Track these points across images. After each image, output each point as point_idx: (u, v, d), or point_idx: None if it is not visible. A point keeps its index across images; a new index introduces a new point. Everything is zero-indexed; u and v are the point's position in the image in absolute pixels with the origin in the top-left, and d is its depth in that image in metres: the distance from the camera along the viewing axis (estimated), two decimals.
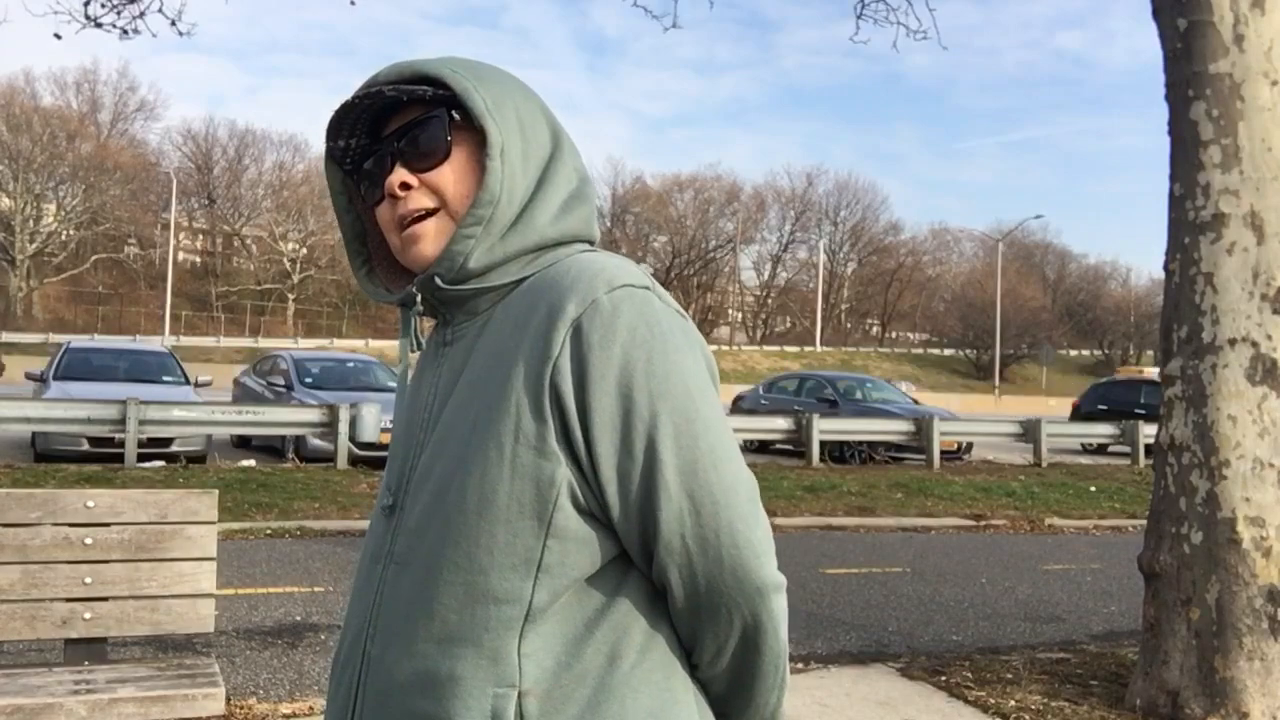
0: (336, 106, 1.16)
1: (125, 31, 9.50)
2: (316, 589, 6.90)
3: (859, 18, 9.45)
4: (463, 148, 1.14)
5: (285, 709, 4.46)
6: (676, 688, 1.09)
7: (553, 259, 1.13)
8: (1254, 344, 4.45)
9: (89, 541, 3.47)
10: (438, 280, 1.13)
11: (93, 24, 9.36)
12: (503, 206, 1.12)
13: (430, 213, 1.14)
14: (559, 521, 1.03)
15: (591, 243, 1.20)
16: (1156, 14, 4.86)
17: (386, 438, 14.19)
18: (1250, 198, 4.51)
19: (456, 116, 1.14)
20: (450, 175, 1.14)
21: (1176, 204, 4.73)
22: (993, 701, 4.85)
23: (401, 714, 1.07)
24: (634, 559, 1.07)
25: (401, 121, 1.16)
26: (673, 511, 1.03)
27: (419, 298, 1.16)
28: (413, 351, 1.23)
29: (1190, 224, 4.63)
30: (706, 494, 1.04)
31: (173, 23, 9.52)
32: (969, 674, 5.30)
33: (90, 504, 3.49)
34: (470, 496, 1.05)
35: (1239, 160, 4.53)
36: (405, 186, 1.14)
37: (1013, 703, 4.82)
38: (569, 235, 1.17)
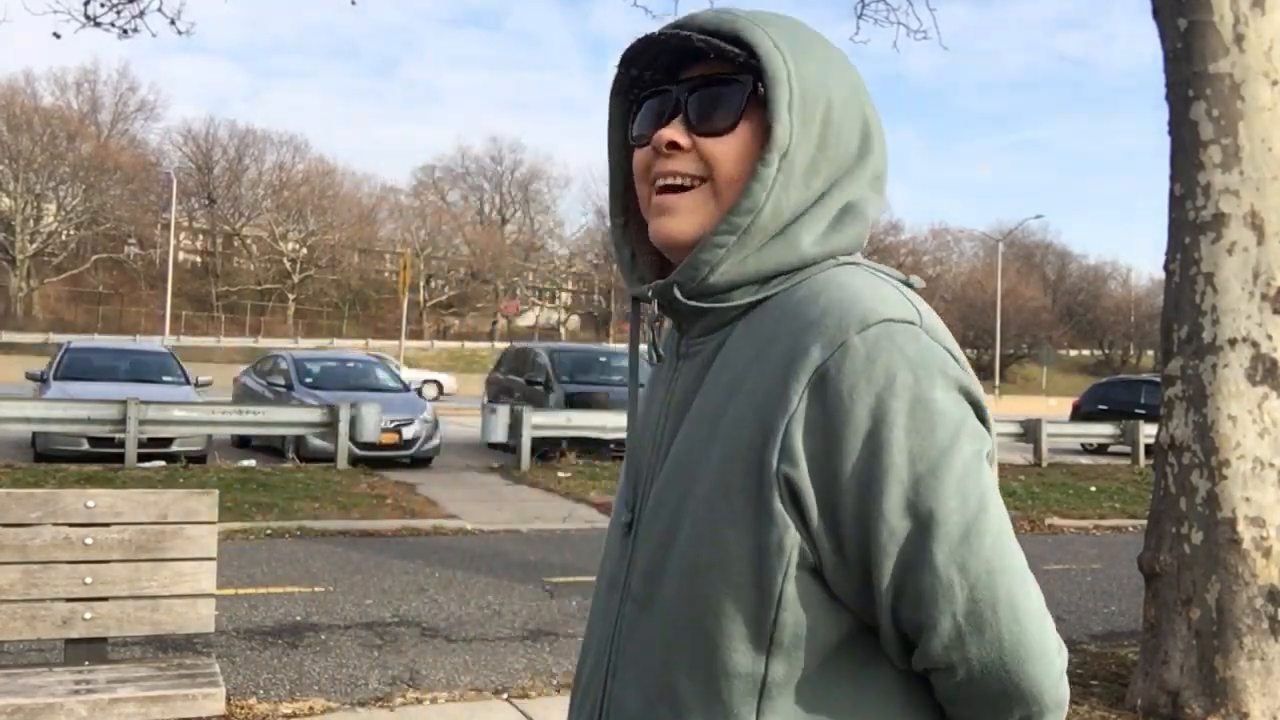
0: (641, 35, 1.04)
1: (125, 31, 9.51)
2: (317, 589, 6.90)
3: (859, 17, 9.46)
4: (753, 125, 1.01)
5: (285, 709, 4.47)
6: None
7: (804, 275, 1.00)
8: (1254, 344, 4.45)
9: (89, 541, 3.47)
10: (676, 292, 1.01)
11: (92, 23, 9.36)
12: (765, 218, 0.98)
13: (690, 185, 1.01)
14: (790, 591, 0.91)
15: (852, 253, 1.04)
16: (1156, 14, 4.85)
17: (386, 438, 14.25)
18: (1250, 198, 4.51)
19: (761, 91, 1.00)
20: (730, 150, 1.00)
21: (1177, 204, 4.73)
22: None
23: None
24: (883, 637, 0.94)
25: (701, 72, 1.03)
26: (940, 588, 0.89)
27: (653, 296, 1.05)
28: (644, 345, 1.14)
29: (1190, 224, 4.63)
30: (979, 565, 0.89)
31: (172, 22, 9.52)
32: None
33: (90, 504, 3.49)
34: (699, 555, 0.95)
35: (1239, 160, 4.53)
36: (674, 146, 1.01)
37: None
38: (831, 254, 1.01)
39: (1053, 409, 39.98)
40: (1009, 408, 49.44)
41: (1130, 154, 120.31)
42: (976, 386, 0.96)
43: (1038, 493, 13.79)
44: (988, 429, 0.96)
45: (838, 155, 1.02)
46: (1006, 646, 0.90)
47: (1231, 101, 4.55)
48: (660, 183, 1.02)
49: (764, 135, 0.99)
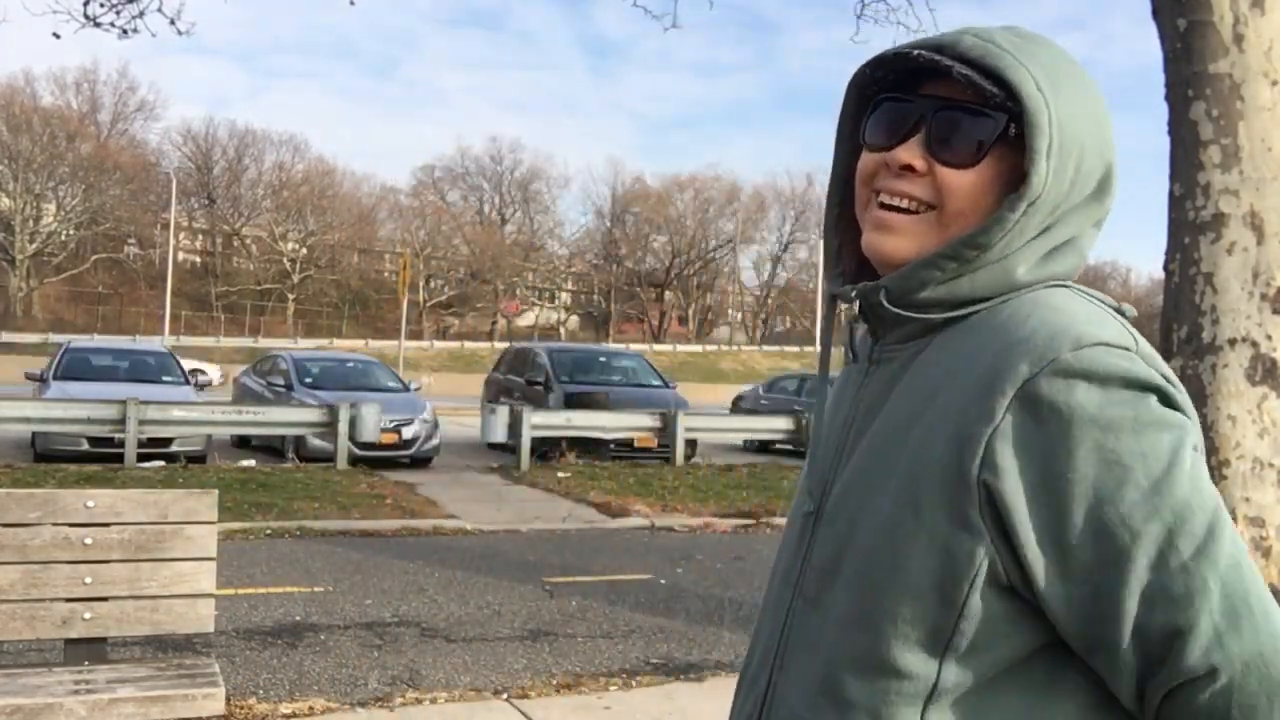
0: (897, 47, 1.02)
1: (124, 31, 9.51)
2: (316, 589, 6.90)
3: (859, 17, 9.47)
4: (997, 165, 0.99)
5: (285, 709, 4.47)
6: None
7: (1010, 296, 0.99)
8: (1254, 344, 4.45)
9: (89, 541, 3.47)
10: (882, 297, 1.01)
11: (92, 23, 9.36)
12: (993, 253, 0.98)
13: (917, 210, 1.00)
14: (974, 601, 0.91)
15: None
16: (1156, 14, 4.86)
17: (386, 438, 14.26)
18: (1250, 198, 4.51)
19: (1013, 133, 0.97)
20: (967, 184, 0.98)
21: (1176, 204, 4.73)
22: None
23: None
24: (1116, 659, 0.89)
25: (950, 93, 0.99)
26: (1195, 587, 0.86)
27: (855, 298, 1.04)
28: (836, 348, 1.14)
29: (1190, 224, 4.63)
30: (1226, 560, 0.87)
31: (171, 22, 9.53)
32: None
33: (90, 504, 3.49)
34: (878, 558, 0.95)
35: (1239, 160, 4.53)
36: (909, 169, 0.99)
37: None
38: (1042, 280, 1.00)
39: None
40: None
41: (1130, 154, 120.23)
42: (1192, 412, 0.95)
43: None
44: (1200, 461, 0.95)
45: (1073, 197, 1.00)
46: (1264, 638, 0.87)
47: (1231, 101, 4.55)
48: (885, 200, 1.01)
49: (1008, 174, 0.98)
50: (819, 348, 1.13)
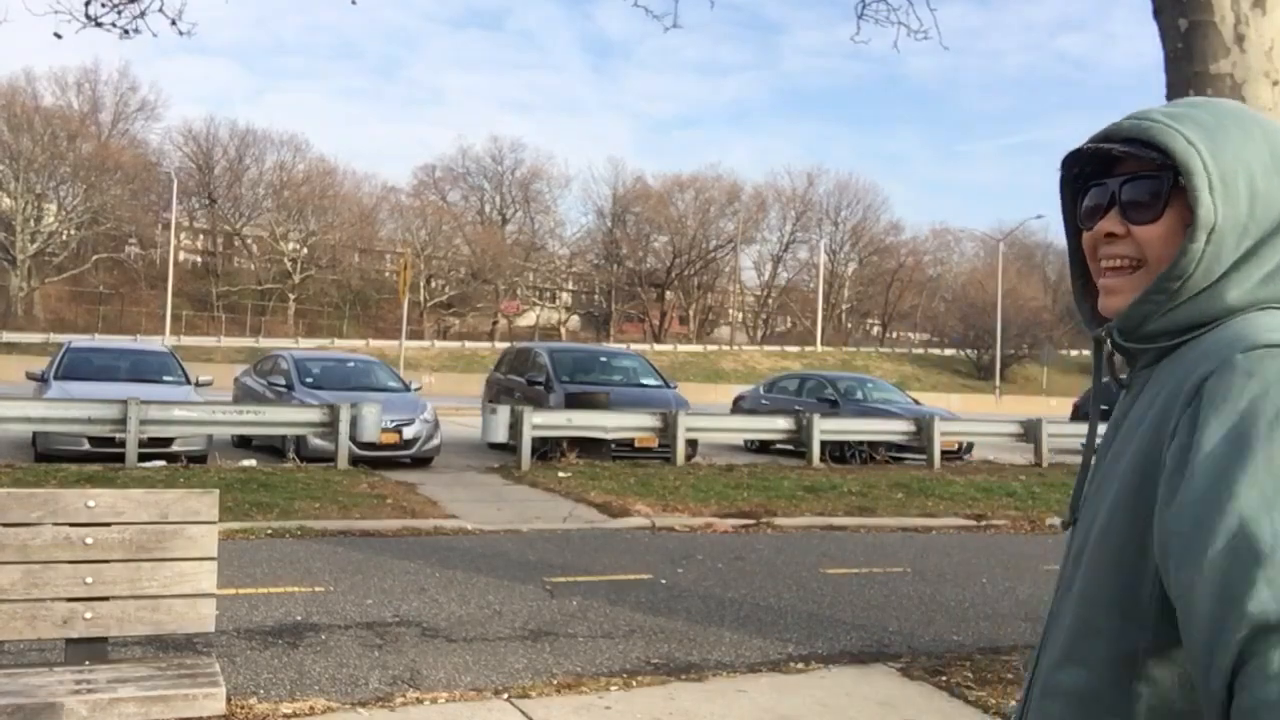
0: (1074, 148, 1.27)
1: (126, 31, 9.50)
2: (317, 589, 6.90)
3: (860, 17, 9.45)
4: (1180, 213, 1.17)
5: (286, 709, 4.47)
6: None
7: (1228, 320, 1.13)
8: None
9: (90, 541, 3.47)
10: (1115, 335, 1.22)
11: (93, 23, 9.36)
12: (1195, 281, 1.13)
13: (1129, 267, 1.21)
14: (1156, 581, 1.05)
15: None
16: (1157, 14, 4.86)
17: (387, 438, 14.26)
18: None
19: (1181, 184, 1.15)
20: (1158, 235, 1.18)
21: None
22: (993, 702, 4.85)
23: (1039, 717, 1.21)
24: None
25: (1129, 170, 1.21)
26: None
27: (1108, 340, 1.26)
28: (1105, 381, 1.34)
29: None
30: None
31: (173, 22, 9.52)
32: (970, 674, 5.30)
33: (91, 504, 3.49)
34: (1101, 542, 1.13)
35: None
36: (1112, 236, 1.21)
37: (1014, 703, 4.82)
38: (1257, 303, 1.13)
39: (1053, 409, 39.97)
40: (1009, 408, 49.42)
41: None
42: None
43: (1038, 493, 13.80)
44: None
45: (1267, 216, 1.14)
46: None
47: None
48: (1104, 264, 1.23)
49: (1190, 218, 1.14)
50: (1093, 383, 1.32)
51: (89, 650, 3.47)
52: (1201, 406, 1.02)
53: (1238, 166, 1.14)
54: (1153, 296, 1.16)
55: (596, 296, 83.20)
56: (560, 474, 13.61)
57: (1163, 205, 1.17)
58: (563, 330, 77.22)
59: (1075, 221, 1.31)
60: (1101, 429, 1.28)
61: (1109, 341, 1.24)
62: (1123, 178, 1.21)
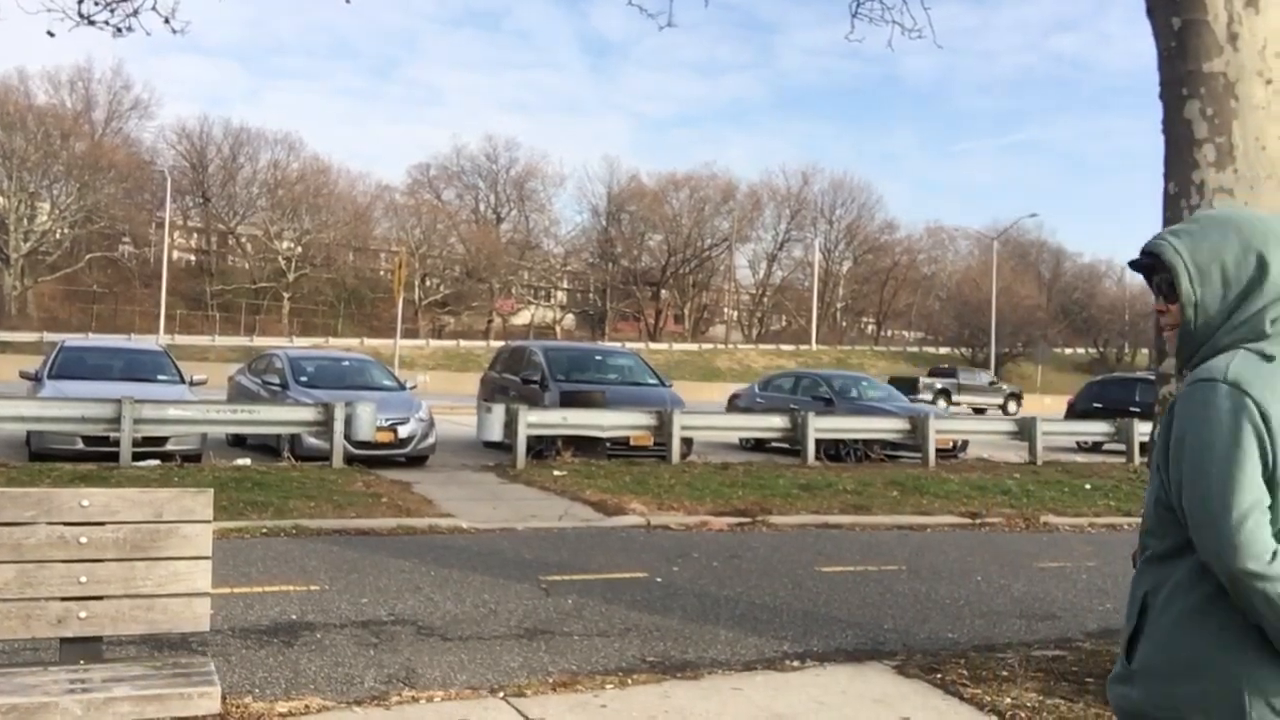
0: (1132, 260, 2.05)
1: (119, 29, 9.47)
2: (312, 588, 6.90)
3: (854, 16, 9.44)
4: None
5: (281, 707, 4.46)
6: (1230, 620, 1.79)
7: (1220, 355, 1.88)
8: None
9: (84, 540, 3.46)
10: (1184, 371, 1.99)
11: (86, 22, 9.33)
12: (1198, 333, 1.92)
13: (1170, 327, 1.98)
14: (1162, 514, 1.92)
15: (1257, 340, 1.87)
16: (1151, 13, 4.86)
17: (382, 436, 14.24)
18: (1244, 196, 4.52)
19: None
20: (1177, 309, 1.93)
21: (1171, 203, 4.74)
22: (988, 699, 4.86)
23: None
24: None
25: (1161, 269, 1.96)
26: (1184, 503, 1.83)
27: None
28: None
29: None
30: (1196, 498, 1.79)
31: (166, 20, 9.49)
32: (965, 671, 5.31)
33: (85, 503, 3.49)
34: (1150, 497, 1.98)
35: (1233, 159, 4.54)
36: (1159, 312, 2.01)
37: (1008, 700, 4.83)
38: (1237, 344, 1.87)
39: (1048, 407, 40.01)
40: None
41: (1125, 153, 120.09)
42: (1232, 413, 1.78)
43: (1033, 490, 13.81)
44: (1265, 424, 1.77)
45: (1239, 285, 1.88)
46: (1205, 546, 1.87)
47: (1225, 100, 4.56)
48: (1163, 328, 2.04)
49: None
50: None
51: (83, 649, 3.47)
52: (1175, 412, 1.87)
53: (1212, 259, 1.88)
54: (1180, 347, 1.95)
55: (591, 295, 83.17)
56: (555, 472, 13.60)
57: (1170, 292, 1.93)
58: (558, 329, 77.18)
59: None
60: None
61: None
62: (1158, 276, 1.96)
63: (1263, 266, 1.84)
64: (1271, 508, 1.75)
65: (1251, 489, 1.72)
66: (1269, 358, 1.79)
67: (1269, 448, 1.75)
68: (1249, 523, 1.71)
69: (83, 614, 3.44)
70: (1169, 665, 1.83)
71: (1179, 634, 1.82)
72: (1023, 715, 4.62)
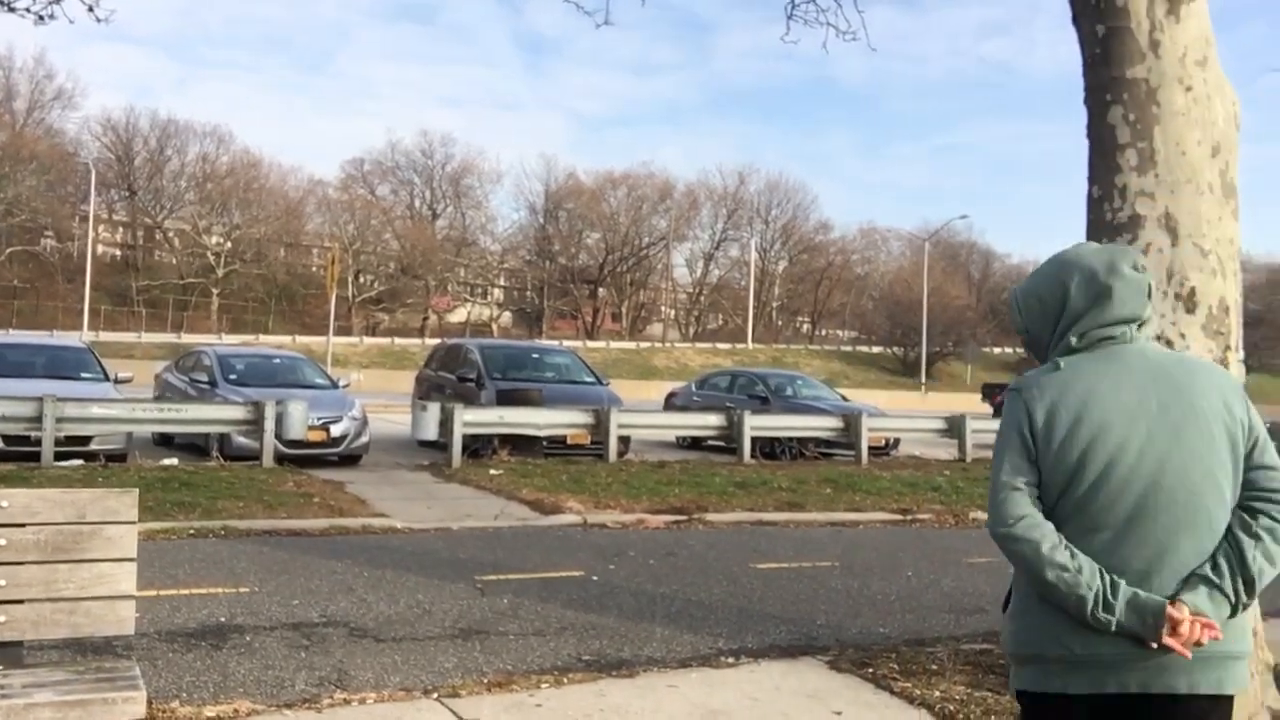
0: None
1: (40, 17, 9.23)
2: (241, 590, 6.78)
3: (790, 17, 9.53)
4: None
5: (209, 711, 4.38)
6: None
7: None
8: (1169, 342, 4.59)
9: (3, 542, 3.37)
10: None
11: (6, 8, 9.07)
12: (1036, 350, 2.45)
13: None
14: None
15: (1073, 343, 2.35)
16: (1076, 20, 4.98)
17: (313, 435, 14.05)
18: (1165, 200, 4.65)
19: None
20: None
21: (1095, 206, 4.86)
22: (918, 692, 4.94)
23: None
24: None
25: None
26: None
27: None
28: None
29: (1108, 225, 4.76)
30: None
31: (90, 9, 9.27)
32: (895, 665, 5.39)
33: (4, 504, 3.39)
34: None
35: (1154, 163, 4.67)
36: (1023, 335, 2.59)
37: (937, 693, 4.91)
38: (1062, 351, 2.35)
39: (977, 406, 40.77)
40: (935, 404, 50.34)
41: (1052, 157, 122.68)
42: (1013, 408, 2.31)
43: (962, 487, 14.07)
44: (1029, 419, 2.27)
45: (1052, 309, 2.39)
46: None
47: (1147, 106, 4.69)
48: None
49: None
50: None
51: (3, 655, 3.37)
52: None
53: (1032, 295, 2.42)
54: (1035, 359, 2.46)
55: (529, 293, 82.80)
56: (492, 471, 13.53)
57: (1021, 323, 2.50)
58: (495, 327, 76.68)
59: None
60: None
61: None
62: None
63: (1065, 296, 2.34)
64: (1039, 485, 2.24)
65: (1010, 469, 2.24)
66: (1058, 367, 2.30)
67: (1027, 436, 2.25)
68: (1002, 493, 2.23)
69: (2, 619, 3.35)
70: (1008, 609, 2.39)
71: (1014, 586, 2.37)
72: (951, 707, 4.71)
